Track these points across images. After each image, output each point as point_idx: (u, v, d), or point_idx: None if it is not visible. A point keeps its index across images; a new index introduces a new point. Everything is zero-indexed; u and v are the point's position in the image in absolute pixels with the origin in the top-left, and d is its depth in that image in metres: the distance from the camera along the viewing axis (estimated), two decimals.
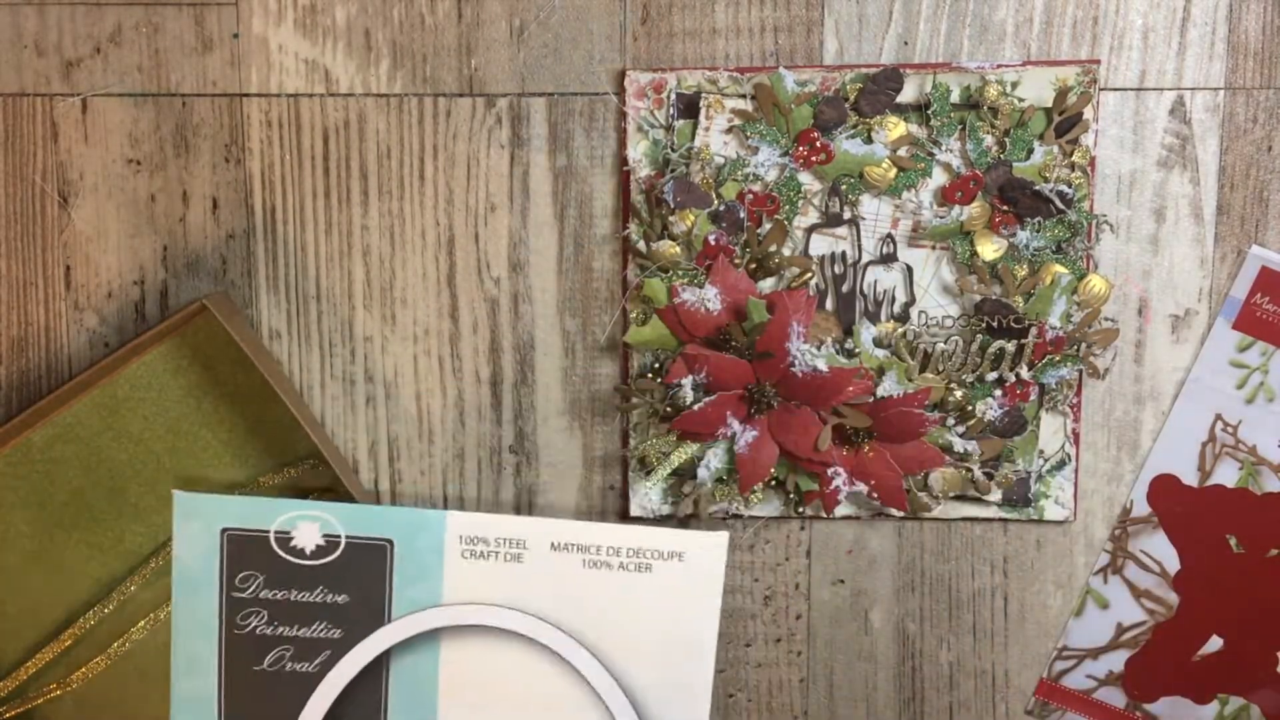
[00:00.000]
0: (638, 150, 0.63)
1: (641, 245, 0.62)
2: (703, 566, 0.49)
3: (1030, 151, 0.61)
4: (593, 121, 0.63)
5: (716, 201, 0.62)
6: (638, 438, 0.64)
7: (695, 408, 0.61)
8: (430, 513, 0.49)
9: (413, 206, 0.64)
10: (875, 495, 0.63)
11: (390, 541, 0.49)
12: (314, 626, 0.49)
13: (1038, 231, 0.62)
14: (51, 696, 0.65)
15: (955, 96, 0.61)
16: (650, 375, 0.64)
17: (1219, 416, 0.64)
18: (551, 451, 0.66)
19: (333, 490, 0.65)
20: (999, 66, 0.61)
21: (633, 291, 0.63)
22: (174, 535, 0.49)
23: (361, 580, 0.49)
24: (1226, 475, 0.65)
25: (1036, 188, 0.61)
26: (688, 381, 0.61)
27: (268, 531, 0.49)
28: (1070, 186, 0.61)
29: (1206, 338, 0.64)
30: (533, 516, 0.47)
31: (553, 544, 0.49)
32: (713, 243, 0.62)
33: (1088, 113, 0.61)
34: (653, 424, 0.64)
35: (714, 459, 0.62)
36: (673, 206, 0.62)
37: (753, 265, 0.62)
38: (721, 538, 0.48)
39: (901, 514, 0.65)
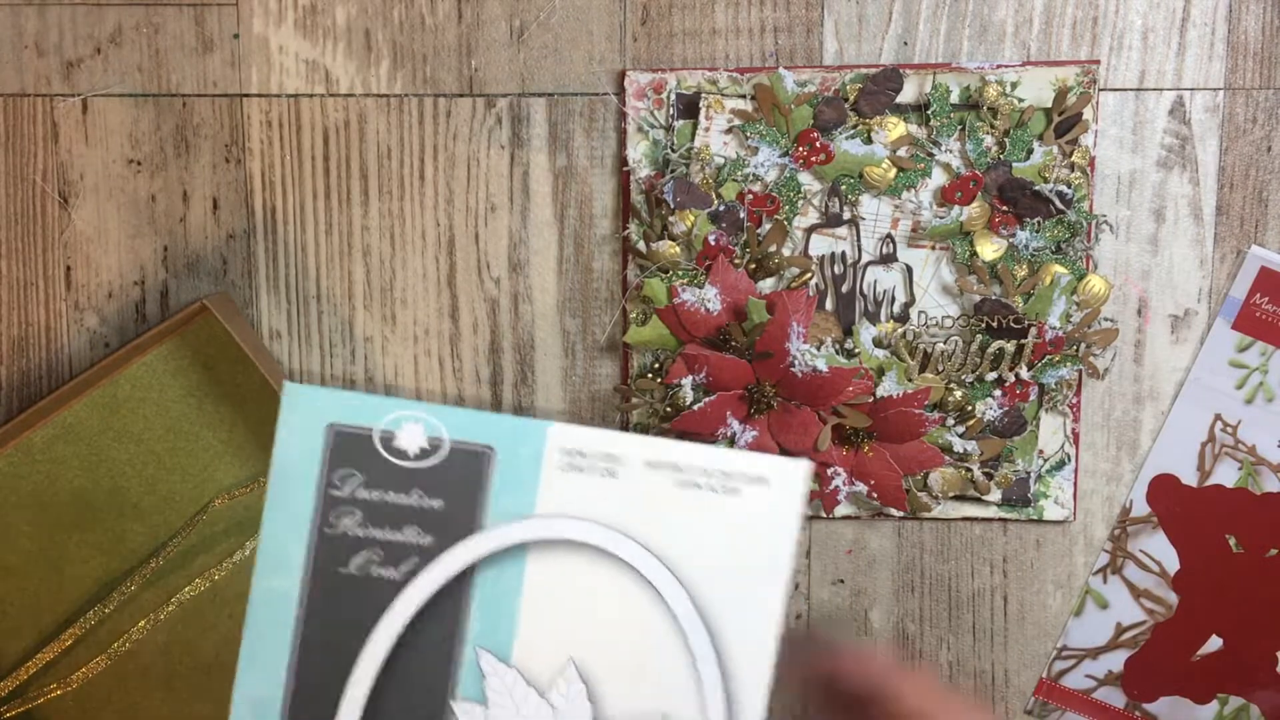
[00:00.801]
0: (638, 150, 0.63)
1: (641, 245, 0.62)
2: (785, 491, 0.48)
3: (1030, 152, 0.61)
4: (593, 122, 0.63)
5: (716, 202, 0.62)
6: None
7: (695, 408, 0.61)
8: (533, 422, 0.48)
9: (413, 207, 0.64)
10: (875, 495, 0.63)
11: (492, 449, 0.48)
12: (406, 531, 0.49)
13: (1037, 232, 0.62)
14: (51, 696, 0.65)
15: (955, 97, 0.61)
16: (650, 375, 0.64)
17: (1218, 416, 0.64)
18: None
19: None
20: (999, 67, 0.61)
21: (633, 291, 0.63)
22: (278, 427, 0.48)
23: (459, 487, 0.48)
24: (1226, 475, 0.65)
25: (1036, 188, 0.61)
26: (688, 381, 0.61)
27: (372, 429, 0.48)
28: (1070, 187, 0.61)
29: (1206, 338, 0.64)
30: (627, 434, 0.48)
31: (648, 461, 0.48)
32: (713, 243, 0.62)
33: (1087, 113, 0.61)
34: (653, 424, 0.64)
35: None
36: (673, 207, 0.62)
37: (753, 265, 0.62)
38: (803, 464, 0.48)
39: (901, 514, 0.65)
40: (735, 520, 0.48)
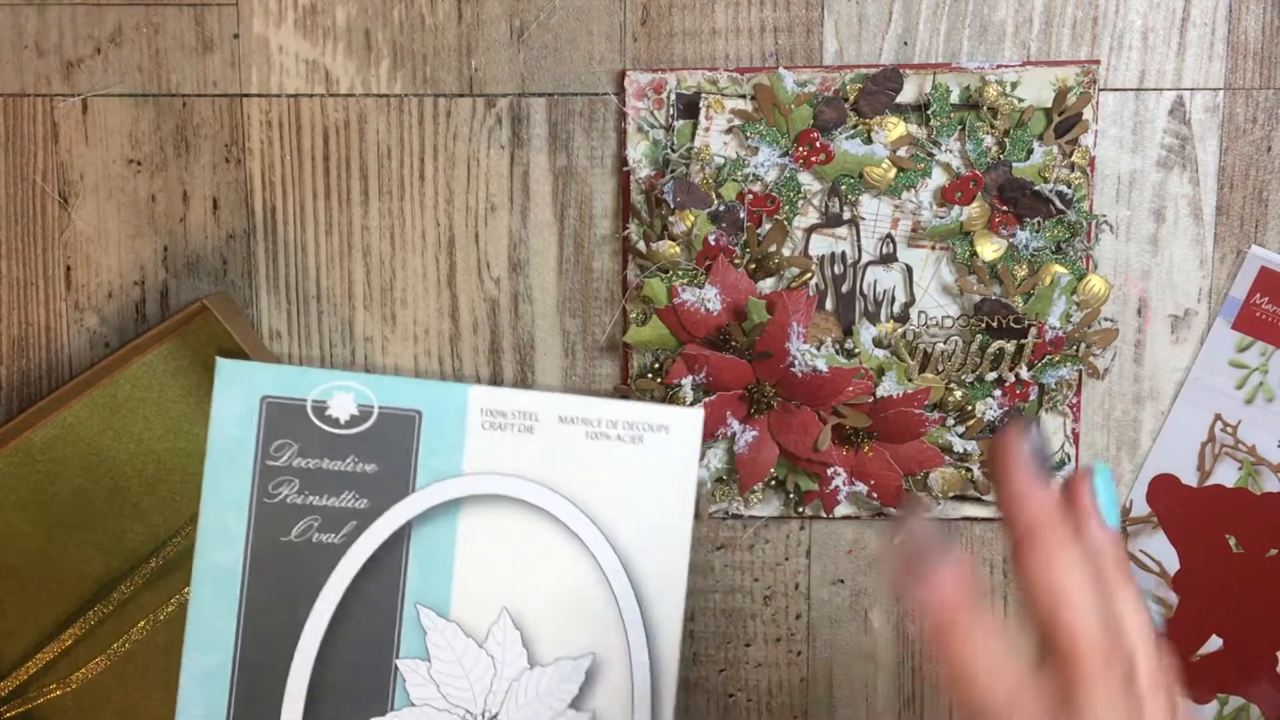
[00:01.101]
0: (638, 150, 0.63)
1: (641, 245, 0.62)
2: (683, 438, 0.53)
3: (1030, 152, 0.61)
4: (593, 122, 0.63)
5: (716, 202, 0.62)
6: None
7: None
8: (455, 385, 0.51)
9: (413, 206, 0.64)
10: (875, 495, 0.63)
11: (419, 412, 0.51)
12: (343, 496, 0.50)
13: (1037, 232, 0.62)
14: (51, 696, 0.65)
15: (955, 97, 0.61)
16: (650, 375, 0.64)
17: (1218, 416, 0.64)
18: None
19: None
20: (999, 67, 0.61)
21: (633, 291, 0.63)
22: (213, 403, 0.50)
23: (390, 451, 0.50)
24: (1226, 475, 0.65)
25: (1036, 188, 0.61)
26: (688, 381, 0.61)
27: (305, 400, 0.50)
28: (1070, 187, 0.61)
29: (1206, 338, 0.64)
30: (541, 392, 0.52)
31: (561, 416, 0.52)
32: (713, 243, 0.62)
33: (1087, 113, 0.61)
34: None
35: (714, 459, 0.62)
36: (673, 207, 0.62)
37: (753, 265, 0.62)
38: (698, 411, 0.53)
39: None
40: (641, 465, 0.52)
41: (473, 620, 0.50)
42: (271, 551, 0.50)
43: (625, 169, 0.63)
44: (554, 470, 0.51)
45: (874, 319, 0.64)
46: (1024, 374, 0.63)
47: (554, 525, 0.51)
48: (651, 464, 0.52)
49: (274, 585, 0.50)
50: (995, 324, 0.62)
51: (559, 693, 0.50)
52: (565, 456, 0.51)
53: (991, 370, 0.62)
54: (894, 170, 0.62)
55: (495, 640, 0.50)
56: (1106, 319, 0.63)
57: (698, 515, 0.65)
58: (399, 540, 0.50)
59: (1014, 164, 0.61)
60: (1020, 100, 0.61)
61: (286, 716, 0.50)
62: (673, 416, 0.53)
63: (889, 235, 0.63)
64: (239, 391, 0.50)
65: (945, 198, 0.62)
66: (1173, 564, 0.66)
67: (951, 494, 0.65)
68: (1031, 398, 0.63)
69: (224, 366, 0.50)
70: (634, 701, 0.50)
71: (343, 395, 0.51)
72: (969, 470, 0.64)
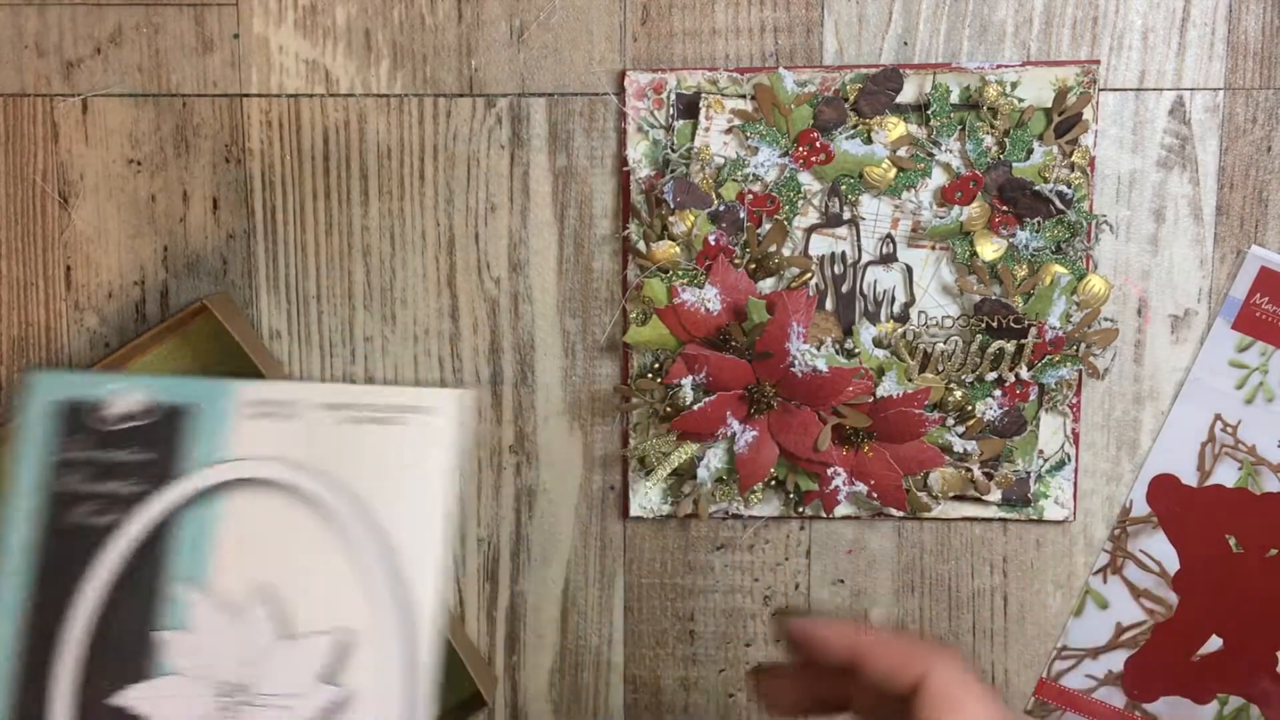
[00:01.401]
0: (638, 150, 0.63)
1: (641, 245, 0.62)
2: (444, 418, 0.55)
3: (1030, 152, 0.61)
4: (593, 122, 0.63)
5: (716, 202, 0.62)
6: (638, 438, 0.65)
7: (695, 408, 0.61)
8: (225, 381, 0.55)
9: (413, 207, 0.64)
10: (875, 495, 0.63)
11: (194, 405, 0.55)
12: (119, 483, 0.55)
13: (1037, 232, 0.62)
14: None
15: (955, 97, 0.61)
16: (650, 375, 0.64)
17: (1218, 416, 0.64)
18: (551, 451, 0.66)
19: None
20: (999, 67, 0.61)
21: (633, 291, 0.63)
22: (21, 412, 0.56)
23: (166, 442, 0.55)
24: (1226, 475, 0.65)
25: (1036, 188, 0.61)
26: (687, 381, 0.61)
27: (95, 399, 0.55)
28: (1070, 187, 0.61)
29: (1206, 338, 0.64)
30: (306, 382, 0.57)
31: (323, 403, 0.55)
32: (713, 243, 0.62)
33: (1087, 113, 0.61)
34: (653, 424, 0.64)
35: (714, 459, 0.62)
36: (673, 207, 0.62)
37: (753, 265, 0.62)
38: (460, 395, 0.55)
39: (901, 514, 0.65)
40: (402, 446, 0.54)
41: (230, 594, 0.54)
42: (57, 534, 0.55)
43: (625, 169, 0.63)
44: (313, 453, 0.54)
45: (874, 319, 0.64)
46: (1024, 374, 0.63)
47: (311, 506, 0.54)
48: (412, 445, 0.54)
49: (56, 565, 0.55)
50: (995, 324, 0.62)
51: (311, 666, 0.53)
52: (326, 440, 0.54)
53: (991, 370, 0.62)
54: (894, 170, 0.62)
55: (250, 614, 0.54)
56: (1106, 319, 0.63)
57: (697, 515, 0.65)
58: (167, 523, 0.54)
59: (1014, 164, 0.61)
60: (1020, 100, 0.61)
61: (60, 685, 0.54)
62: (435, 398, 0.55)
63: (889, 235, 0.63)
64: (38, 397, 0.55)
65: (945, 198, 0.62)
66: (1173, 564, 0.66)
67: (951, 494, 0.65)
68: (1031, 398, 0.63)
69: (29, 377, 0.56)
70: (389, 677, 0.53)
71: (127, 392, 0.55)
72: (969, 470, 0.64)
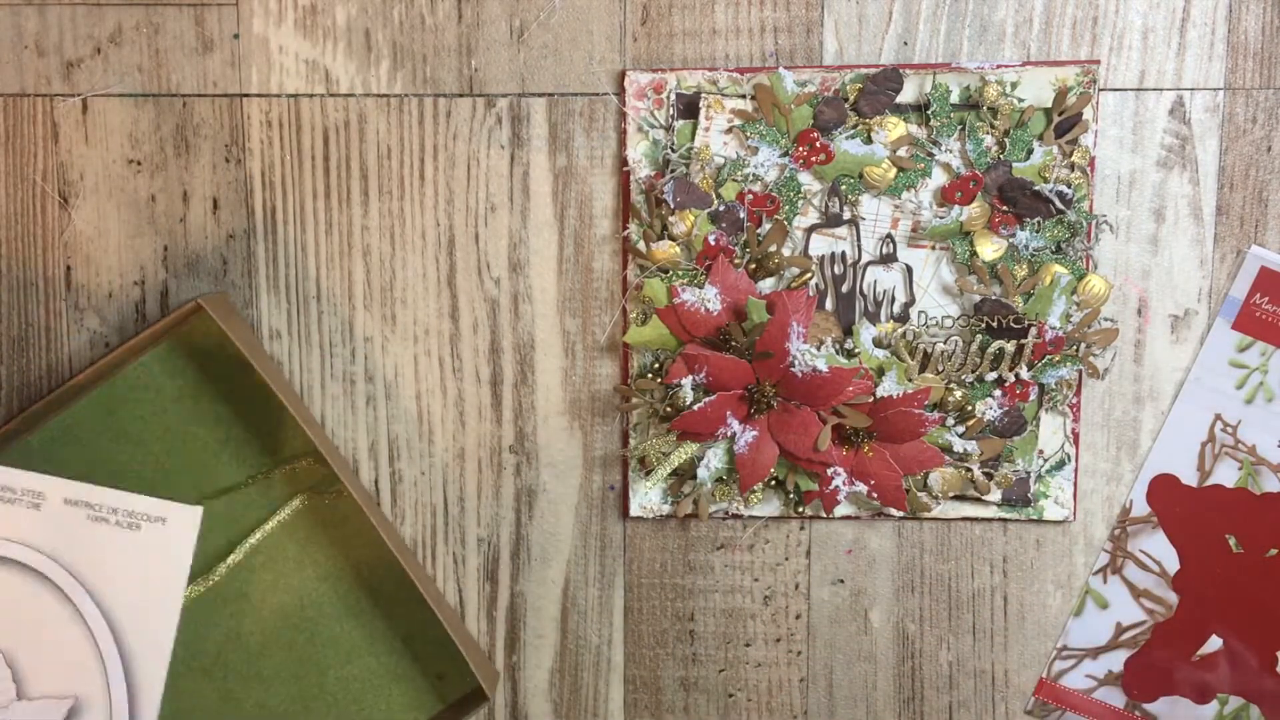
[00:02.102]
0: (638, 150, 0.63)
1: (641, 245, 0.62)
2: (179, 532, 0.61)
3: (1030, 152, 0.61)
4: (593, 122, 0.63)
5: (716, 202, 0.62)
6: (638, 438, 0.65)
7: (695, 408, 0.61)
8: None
9: (413, 207, 0.64)
10: (875, 495, 0.63)
11: None
12: None
13: (1037, 232, 0.62)
14: None
15: (955, 97, 0.61)
16: (650, 375, 0.64)
17: (1218, 416, 0.64)
18: (551, 451, 0.66)
19: (333, 489, 0.65)
20: (999, 67, 0.61)
21: (633, 291, 0.63)
22: None
23: None
24: (1226, 475, 0.65)
25: (1036, 188, 0.61)
26: (687, 381, 0.61)
27: None
28: (1070, 187, 0.61)
29: (1206, 338, 0.64)
30: (50, 476, 0.60)
31: (65, 499, 0.60)
32: (713, 243, 0.62)
33: (1087, 113, 0.61)
34: (653, 424, 0.64)
35: (714, 459, 0.62)
36: (673, 207, 0.62)
37: (753, 265, 0.62)
38: (195, 511, 0.61)
39: (901, 514, 0.65)
40: (138, 550, 0.60)
41: None
42: None
43: (625, 169, 0.63)
44: (57, 543, 0.60)
45: (874, 319, 0.64)
46: (1024, 374, 0.63)
47: (53, 589, 0.60)
48: (147, 550, 0.60)
49: None
50: (995, 324, 0.62)
51: None
52: (68, 533, 0.60)
53: (991, 370, 0.62)
54: (894, 170, 0.62)
55: None
56: (1106, 319, 0.63)
57: (697, 515, 0.65)
58: None
59: (1014, 164, 0.61)
60: (1020, 100, 0.61)
61: None
62: (170, 511, 0.61)
63: (889, 235, 0.63)
64: None
65: (945, 198, 0.62)
66: (1173, 564, 0.66)
67: (951, 494, 0.65)
68: (1031, 398, 0.63)
69: None
70: None
71: None
72: (969, 470, 0.64)
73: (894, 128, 0.62)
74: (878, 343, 0.63)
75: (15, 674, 0.60)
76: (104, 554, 0.60)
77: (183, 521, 0.61)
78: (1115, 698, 0.67)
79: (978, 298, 0.62)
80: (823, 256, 0.63)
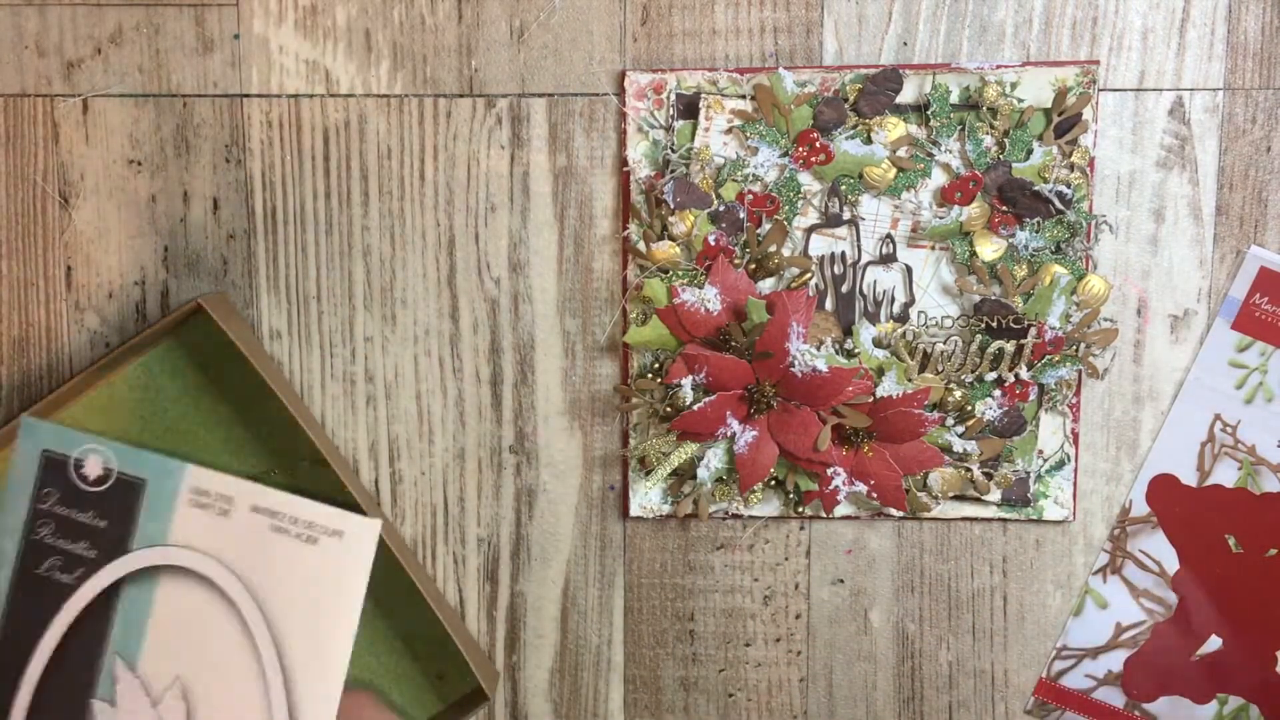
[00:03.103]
0: (638, 151, 0.63)
1: (641, 245, 0.62)
2: (357, 545, 0.57)
3: (1029, 152, 0.61)
4: (593, 122, 0.63)
5: (716, 202, 0.62)
6: (638, 438, 0.65)
7: (695, 408, 0.61)
8: (174, 461, 0.58)
9: (413, 207, 0.64)
10: (875, 495, 0.63)
11: (145, 480, 0.58)
12: (80, 544, 0.58)
13: (1037, 232, 0.62)
14: None
15: (954, 97, 0.62)
16: (650, 375, 0.64)
17: (1218, 416, 0.64)
18: (551, 451, 0.66)
19: (334, 490, 0.65)
20: (998, 67, 0.61)
21: (633, 291, 0.64)
22: (15, 453, 0.59)
23: (119, 512, 0.58)
24: (1225, 475, 0.65)
25: (1036, 188, 0.61)
26: (687, 381, 0.61)
27: (69, 455, 0.59)
28: (1069, 187, 0.61)
29: (1205, 338, 0.64)
30: (240, 480, 0.58)
31: (253, 506, 0.58)
32: (713, 243, 0.62)
33: (1087, 113, 0.61)
34: (653, 424, 0.64)
35: (714, 459, 0.62)
36: (673, 207, 0.62)
37: (752, 265, 0.62)
38: (375, 524, 0.57)
39: (901, 514, 0.65)
40: (313, 565, 0.57)
41: (154, 678, 0.57)
42: (28, 580, 0.58)
43: (625, 169, 0.63)
44: (238, 554, 0.57)
45: (874, 319, 0.64)
46: (1024, 374, 0.63)
47: (232, 610, 0.57)
48: (323, 567, 0.57)
49: (25, 608, 0.58)
50: (995, 324, 0.62)
51: None
52: (251, 544, 0.57)
53: (991, 370, 0.63)
54: (894, 170, 0.62)
55: (167, 704, 0.57)
56: (1106, 319, 0.63)
57: (697, 515, 0.65)
58: (113, 592, 0.58)
59: (1014, 164, 0.61)
60: (1020, 100, 0.61)
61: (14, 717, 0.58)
62: (348, 523, 0.57)
63: (889, 235, 0.63)
64: (30, 443, 0.59)
65: (945, 198, 0.62)
66: (1172, 564, 0.66)
67: (951, 494, 0.65)
68: (1031, 398, 0.63)
69: (26, 424, 0.59)
70: None
71: (95, 456, 0.59)
72: (969, 470, 0.64)
73: (894, 128, 0.62)
74: (878, 343, 0.63)
75: (190, 709, 0.57)
76: (280, 570, 0.57)
77: (360, 536, 0.57)
78: (1115, 698, 0.67)
79: (977, 298, 0.62)
80: (822, 256, 0.63)
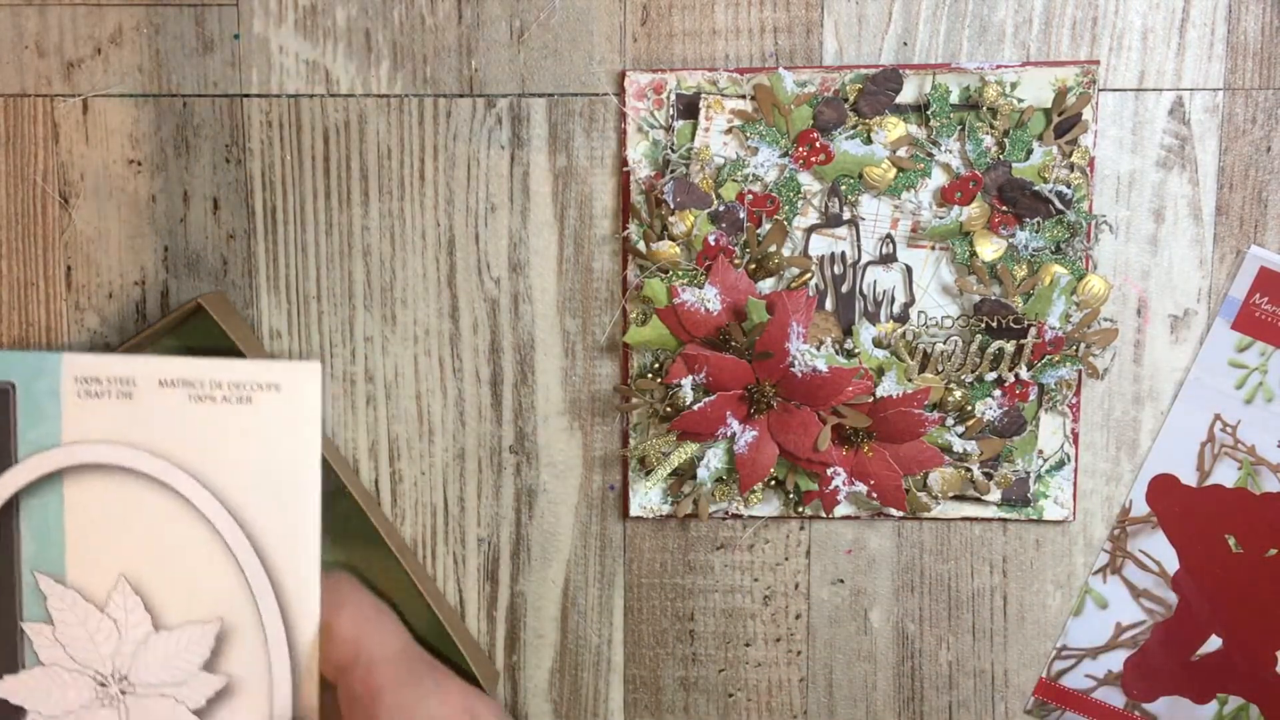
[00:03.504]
0: (638, 151, 0.63)
1: (641, 245, 0.63)
2: (299, 393, 0.51)
3: (1029, 152, 0.61)
4: (593, 122, 0.63)
5: (716, 202, 0.62)
6: (638, 438, 0.65)
7: (695, 408, 0.61)
8: (47, 354, 0.52)
9: (413, 207, 0.64)
10: (875, 495, 0.63)
11: (11, 385, 0.52)
12: None
13: (1037, 232, 0.62)
14: None
15: (955, 97, 0.62)
16: (650, 375, 0.64)
17: (1218, 416, 0.64)
18: (551, 451, 0.66)
19: (333, 490, 0.65)
20: (998, 67, 0.61)
21: (633, 291, 0.64)
22: None
23: None
24: (1225, 475, 0.65)
25: (1036, 188, 0.61)
26: (687, 381, 0.61)
27: None
28: (1069, 187, 0.61)
29: (1205, 338, 0.64)
30: (137, 356, 0.51)
31: (160, 380, 0.51)
32: (713, 243, 0.62)
33: (1087, 113, 0.61)
34: (653, 424, 0.64)
35: (714, 459, 0.62)
36: (673, 207, 0.62)
37: (752, 265, 0.62)
38: (314, 366, 0.51)
39: (901, 514, 0.65)
40: (254, 427, 0.50)
41: (91, 586, 0.52)
42: None
43: (625, 169, 0.63)
44: (156, 435, 0.51)
45: (874, 319, 0.64)
46: (1024, 374, 0.63)
47: (165, 491, 0.51)
48: (265, 425, 0.51)
49: None
50: (995, 324, 0.62)
51: (189, 656, 0.51)
52: (169, 421, 0.51)
53: (991, 370, 0.63)
54: (894, 170, 0.62)
55: (116, 605, 0.52)
56: (1106, 319, 0.63)
57: (697, 515, 0.65)
58: (9, 511, 0.52)
59: (1014, 164, 0.61)
60: (1020, 100, 0.61)
61: None
62: (283, 372, 0.51)
63: (889, 235, 0.63)
64: None
65: (945, 198, 0.62)
66: (1172, 564, 0.66)
67: (951, 494, 0.65)
68: (1031, 398, 0.63)
69: None
70: (271, 665, 0.51)
71: None
72: (969, 470, 0.64)
73: (894, 128, 0.62)
74: (877, 343, 0.63)
75: (148, 603, 0.51)
76: (215, 439, 0.51)
77: (302, 382, 0.51)
78: (1115, 698, 0.67)
79: (977, 298, 0.62)
80: (822, 256, 0.63)
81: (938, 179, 0.62)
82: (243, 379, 0.51)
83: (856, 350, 0.63)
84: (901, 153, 0.62)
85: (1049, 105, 0.61)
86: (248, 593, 0.51)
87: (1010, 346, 0.62)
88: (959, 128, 0.62)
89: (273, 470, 0.51)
